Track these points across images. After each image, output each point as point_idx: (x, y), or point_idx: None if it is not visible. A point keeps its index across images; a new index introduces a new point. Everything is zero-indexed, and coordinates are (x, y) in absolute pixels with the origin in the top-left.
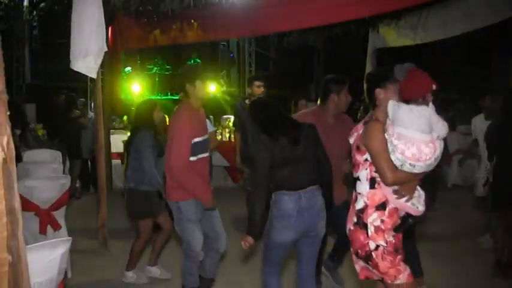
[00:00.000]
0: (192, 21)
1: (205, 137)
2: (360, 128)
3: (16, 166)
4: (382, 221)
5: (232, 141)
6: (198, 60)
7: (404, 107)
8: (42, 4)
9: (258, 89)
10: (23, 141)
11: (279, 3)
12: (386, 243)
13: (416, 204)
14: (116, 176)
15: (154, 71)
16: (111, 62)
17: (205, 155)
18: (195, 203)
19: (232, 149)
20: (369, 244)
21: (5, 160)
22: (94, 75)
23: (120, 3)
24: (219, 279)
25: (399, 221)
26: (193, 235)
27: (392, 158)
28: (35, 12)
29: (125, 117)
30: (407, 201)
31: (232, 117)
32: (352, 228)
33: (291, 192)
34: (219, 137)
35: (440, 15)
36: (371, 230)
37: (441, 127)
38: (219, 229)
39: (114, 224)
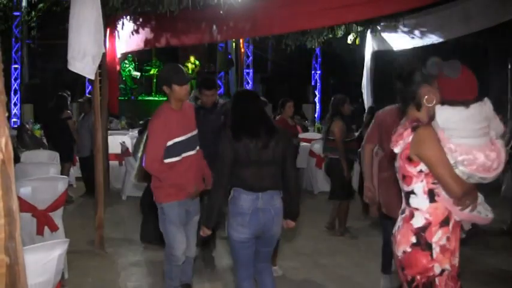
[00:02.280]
0: (190, 22)
1: (191, 134)
2: (406, 134)
3: (13, 167)
4: (448, 239)
5: None
6: (197, 62)
7: (455, 111)
8: (41, 5)
9: (208, 98)
10: (20, 142)
11: (277, 5)
12: (451, 267)
13: (483, 211)
14: (113, 177)
15: (152, 72)
16: (108, 63)
17: (192, 152)
18: (178, 205)
19: None
20: (434, 268)
21: (3, 161)
22: (92, 76)
23: (118, 4)
24: (218, 280)
25: (463, 236)
26: (175, 238)
27: (457, 172)
28: (33, 13)
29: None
30: (472, 210)
31: None
32: (409, 250)
33: (249, 192)
34: None
35: (438, 18)
36: (436, 250)
37: (498, 123)
38: (190, 235)
39: (111, 225)
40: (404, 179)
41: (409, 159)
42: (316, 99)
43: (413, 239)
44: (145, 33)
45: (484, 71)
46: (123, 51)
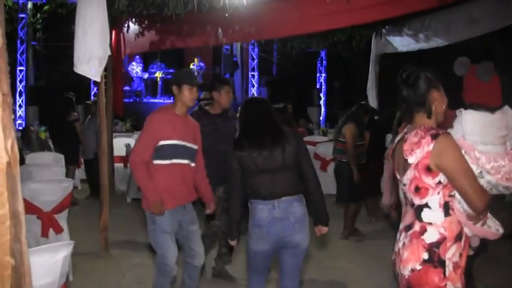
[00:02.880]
0: (196, 25)
1: (189, 145)
2: (425, 143)
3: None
4: (460, 256)
5: None
6: (201, 64)
7: (482, 116)
8: (46, 7)
9: (227, 96)
10: (25, 144)
11: (282, 9)
12: (462, 286)
13: (493, 225)
14: (118, 179)
15: (156, 74)
16: (113, 65)
17: (186, 161)
18: (170, 214)
19: None
20: (447, 287)
21: (9, 163)
22: (98, 79)
23: (124, 6)
24: (219, 283)
25: (471, 252)
26: (168, 248)
27: (482, 182)
28: (38, 15)
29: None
30: (483, 224)
31: None
32: (419, 268)
33: (264, 201)
34: None
35: (443, 21)
36: (449, 268)
37: None
38: (195, 246)
39: (116, 227)
40: (418, 191)
41: (428, 170)
42: (321, 102)
43: (425, 255)
44: (150, 36)
45: None
46: (128, 53)
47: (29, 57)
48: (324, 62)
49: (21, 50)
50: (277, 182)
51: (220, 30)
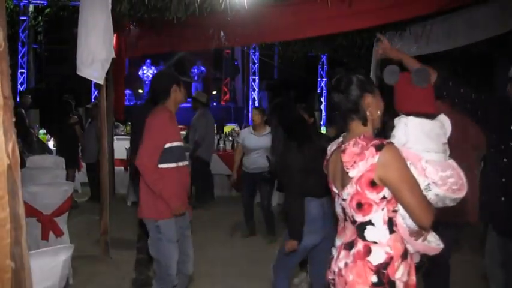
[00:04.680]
0: (197, 28)
1: (183, 145)
2: (368, 155)
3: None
4: (409, 274)
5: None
6: (202, 68)
7: (425, 122)
8: (48, 9)
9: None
10: (25, 146)
11: (283, 13)
12: None
13: (434, 240)
14: (118, 182)
15: None
16: (115, 68)
17: (186, 163)
18: (176, 221)
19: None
20: None
21: (9, 166)
22: (101, 82)
23: (125, 10)
24: (217, 284)
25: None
26: (173, 257)
27: (430, 196)
28: (40, 18)
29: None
30: (423, 240)
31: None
32: None
33: (316, 199)
34: (221, 145)
35: (443, 26)
36: None
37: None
38: (190, 252)
39: (116, 230)
40: (361, 207)
41: (372, 184)
42: (322, 107)
43: (374, 279)
44: (152, 39)
45: (490, 80)
46: (129, 56)
47: (30, 60)
48: (325, 66)
49: (22, 52)
50: (324, 180)
51: (221, 34)
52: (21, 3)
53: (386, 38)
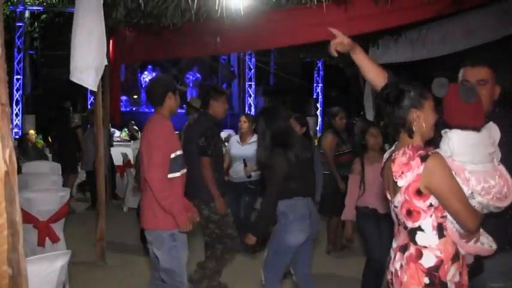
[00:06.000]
0: (193, 35)
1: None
2: (414, 165)
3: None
4: (461, 274)
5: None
6: (197, 75)
7: (470, 134)
8: (44, 16)
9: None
10: (21, 153)
11: (279, 19)
12: None
13: (486, 242)
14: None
15: None
16: (111, 75)
17: (185, 170)
18: None
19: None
20: None
21: (6, 173)
22: (95, 88)
23: (121, 16)
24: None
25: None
26: (185, 265)
27: (473, 203)
28: (36, 24)
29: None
30: (476, 242)
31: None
32: None
33: (303, 198)
34: None
35: (439, 32)
36: None
37: (498, 149)
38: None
39: (112, 236)
40: (410, 214)
41: (419, 193)
42: (318, 112)
43: (426, 280)
44: (148, 45)
45: None
46: (126, 62)
47: (26, 66)
48: (321, 72)
49: (18, 58)
50: (310, 182)
51: (217, 40)
52: (18, 10)
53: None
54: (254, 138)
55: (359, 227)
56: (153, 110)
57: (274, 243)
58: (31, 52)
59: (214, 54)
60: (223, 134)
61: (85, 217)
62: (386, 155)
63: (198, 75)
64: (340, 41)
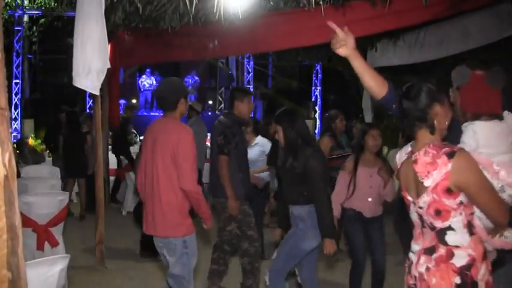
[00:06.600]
0: (192, 38)
1: None
2: (441, 163)
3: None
4: (490, 273)
5: None
6: (195, 78)
7: (493, 125)
8: (42, 20)
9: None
10: (20, 157)
11: (278, 22)
12: None
13: (510, 236)
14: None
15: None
16: (110, 78)
17: None
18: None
19: None
20: None
21: (6, 177)
22: (97, 92)
23: (120, 20)
24: None
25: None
26: (192, 273)
27: (504, 197)
28: (34, 28)
29: None
30: (500, 236)
31: None
32: None
33: (313, 205)
34: None
35: (437, 34)
36: None
37: None
38: None
39: (112, 240)
40: (440, 214)
41: (449, 191)
42: (317, 115)
43: (457, 280)
44: (146, 49)
45: None
46: (125, 66)
47: (25, 70)
48: (320, 75)
49: (17, 62)
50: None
51: (215, 43)
52: (16, 14)
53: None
54: (257, 140)
55: (345, 230)
56: (151, 114)
57: (288, 247)
58: (30, 56)
59: (213, 57)
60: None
61: (84, 221)
62: (400, 156)
63: (197, 78)
64: (343, 37)
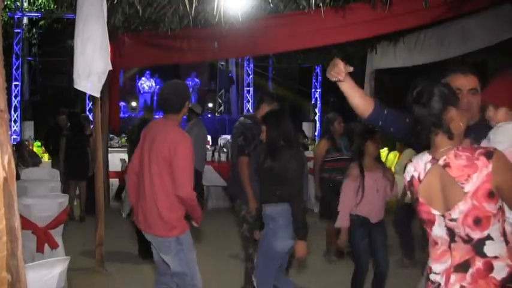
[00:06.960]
0: (191, 40)
1: None
2: (481, 165)
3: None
4: None
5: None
6: (196, 80)
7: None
8: (42, 22)
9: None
10: (19, 159)
11: (277, 24)
12: None
13: None
14: (114, 194)
15: (152, 89)
16: (110, 80)
17: None
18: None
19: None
20: None
21: (5, 179)
22: (98, 94)
23: (120, 22)
24: None
25: None
26: (196, 266)
27: None
28: (34, 30)
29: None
30: None
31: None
32: None
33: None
34: (216, 157)
35: (437, 37)
36: None
37: None
38: None
39: (111, 242)
40: (479, 222)
41: (490, 195)
42: (317, 118)
43: None
44: (146, 51)
45: (483, 87)
46: (124, 68)
47: (24, 72)
48: (319, 77)
49: (16, 65)
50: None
51: (215, 46)
52: (16, 16)
53: (342, 63)
54: None
55: (349, 235)
56: (147, 117)
57: (264, 247)
58: (29, 58)
59: (213, 59)
60: (222, 141)
61: (84, 223)
62: (417, 165)
63: (197, 80)
64: (340, 69)
